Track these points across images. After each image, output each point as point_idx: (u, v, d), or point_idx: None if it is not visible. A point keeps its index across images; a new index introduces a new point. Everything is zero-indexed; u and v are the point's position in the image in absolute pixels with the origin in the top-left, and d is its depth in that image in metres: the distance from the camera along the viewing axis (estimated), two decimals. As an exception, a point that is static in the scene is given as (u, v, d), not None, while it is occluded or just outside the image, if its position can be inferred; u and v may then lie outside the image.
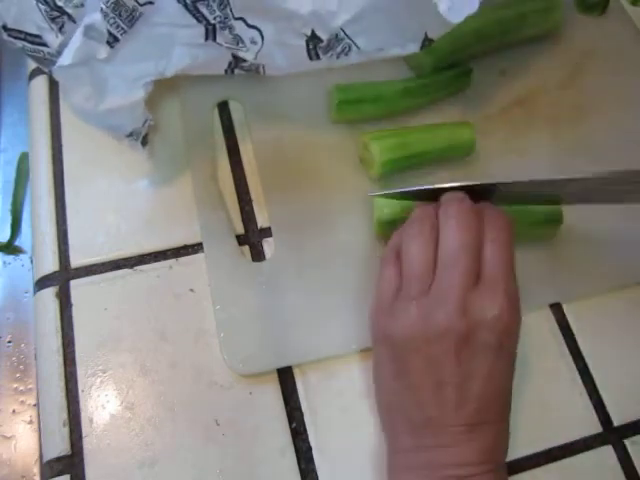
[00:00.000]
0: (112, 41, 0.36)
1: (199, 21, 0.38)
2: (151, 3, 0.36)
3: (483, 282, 0.34)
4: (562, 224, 0.42)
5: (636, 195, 0.38)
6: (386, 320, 0.36)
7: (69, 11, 0.36)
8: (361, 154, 0.46)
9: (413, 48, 0.41)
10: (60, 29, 0.37)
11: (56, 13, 0.36)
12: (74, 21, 0.37)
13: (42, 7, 0.36)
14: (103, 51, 0.36)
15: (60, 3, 0.36)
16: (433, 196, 0.38)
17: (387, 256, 0.38)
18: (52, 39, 0.38)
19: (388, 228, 0.41)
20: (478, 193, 0.38)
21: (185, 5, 0.37)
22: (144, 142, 0.43)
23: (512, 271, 0.35)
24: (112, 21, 0.35)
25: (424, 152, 0.44)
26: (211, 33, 0.39)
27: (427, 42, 0.40)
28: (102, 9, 0.35)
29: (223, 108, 0.48)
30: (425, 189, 0.39)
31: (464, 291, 0.33)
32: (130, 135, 0.41)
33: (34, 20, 0.37)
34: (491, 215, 0.36)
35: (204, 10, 0.37)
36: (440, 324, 0.33)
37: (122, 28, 0.36)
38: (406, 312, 0.34)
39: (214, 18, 0.38)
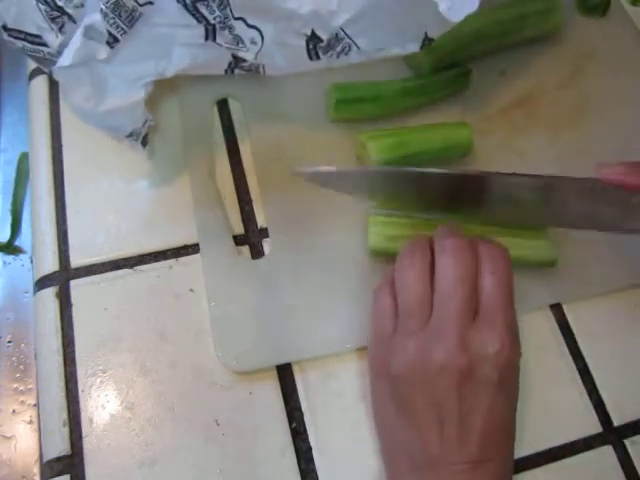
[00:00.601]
0: (112, 41, 0.36)
1: (199, 21, 0.38)
2: (151, 3, 0.36)
3: (482, 316, 0.34)
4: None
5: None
6: (385, 357, 0.35)
7: (69, 11, 0.36)
8: (359, 153, 0.46)
9: (413, 48, 0.41)
10: (60, 29, 0.37)
11: (56, 13, 0.36)
12: (74, 21, 0.37)
13: (42, 7, 0.36)
14: (103, 51, 0.36)
15: (60, 3, 0.36)
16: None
17: (381, 288, 0.38)
18: (52, 39, 0.38)
19: (383, 252, 0.41)
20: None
21: (185, 5, 0.37)
22: (144, 142, 0.43)
23: (511, 303, 0.35)
24: (112, 21, 0.35)
25: (421, 152, 0.44)
26: (211, 33, 0.39)
27: (427, 42, 0.40)
28: (102, 9, 0.35)
29: (223, 108, 0.48)
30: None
31: (463, 326, 0.33)
32: (130, 135, 0.41)
33: (34, 20, 0.37)
34: (487, 248, 0.36)
35: (204, 10, 0.37)
36: (440, 360, 0.33)
37: (122, 28, 0.36)
38: (404, 348, 0.34)
39: (214, 18, 0.38)
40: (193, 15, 0.37)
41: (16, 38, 0.38)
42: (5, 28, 0.38)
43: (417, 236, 0.38)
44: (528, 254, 0.41)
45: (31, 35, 0.38)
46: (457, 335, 0.33)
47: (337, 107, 0.46)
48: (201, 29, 0.38)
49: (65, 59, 0.36)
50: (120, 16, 0.35)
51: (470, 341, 0.33)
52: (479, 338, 0.33)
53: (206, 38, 0.39)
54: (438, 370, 0.33)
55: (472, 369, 0.32)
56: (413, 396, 0.33)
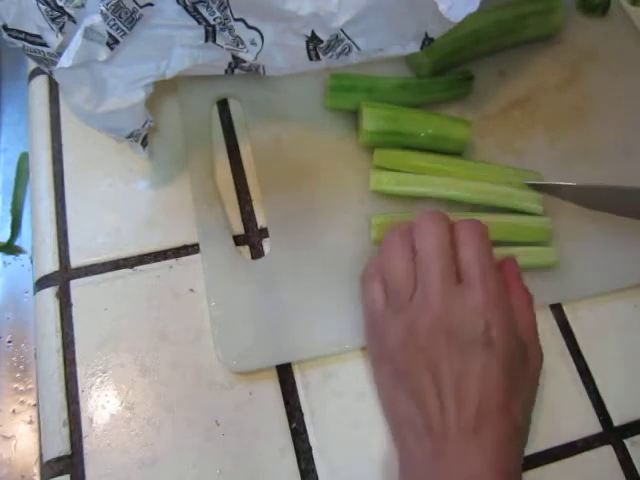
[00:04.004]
0: (112, 43, 0.36)
1: (199, 22, 0.38)
2: (151, 5, 0.36)
3: (463, 282, 0.35)
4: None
5: None
6: (380, 336, 0.37)
7: (69, 11, 0.36)
8: (358, 123, 0.46)
9: (413, 48, 0.41)
10: (60, 29, 0.37)
11: (56, 13, 0.36)
12: (74, 21, 0.37)
13: (42, 7, 0.36)
14: (103, 53, 0.36)
15: (60, 3, 0.36)
16: None
17: (369, 274, 0.39)
18: (52, 39, 0.38)
19: None
20: None
21: (185, 6, 0.37)
22: (144, 143, 0.43)
23: (489, 270, 0.36)
24: (112, 23, 0.35)
25: (412, 133, 0.44)
26: (211, 34, 0.39)
27: (427, 41, 0.40)
28: (102, 11, 0.35)
29: (223, 107, 0.48)
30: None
31: (444, 292, 0.34)
32: (130, 136, 0.41)
33: (34, 20, 0.37)
34: (462, 222, 0.38)
35: (204, 11, 0.37)
36: (426, 326, 0.34)
37: (122, 30, 0.36)
38: (395, 323, 0.35)
39: (214, 19, 0.38)
40: (193, 16, 0.37)
41: (16, 38, 0.38)
42: (5, 28, 0.38)
43: (399, 222, 0.39)
44: (529, 261, 0.42)
45: (31, 35, 0.38)
46: (440, 300, 0.34)
47: (331, 95, 0.45)
48: (201, 30, 0.39)
49: (65, 60, 0.36)
50: (120, 17, 0.35)
51: (453, 305, 0.34)
52: (460, 302, 0.34)
53: (206, 39, 0.39)
54: (427, 336, 0.34)
55: (457, 331, 0.34)
56: (409, 368, 0.35)
